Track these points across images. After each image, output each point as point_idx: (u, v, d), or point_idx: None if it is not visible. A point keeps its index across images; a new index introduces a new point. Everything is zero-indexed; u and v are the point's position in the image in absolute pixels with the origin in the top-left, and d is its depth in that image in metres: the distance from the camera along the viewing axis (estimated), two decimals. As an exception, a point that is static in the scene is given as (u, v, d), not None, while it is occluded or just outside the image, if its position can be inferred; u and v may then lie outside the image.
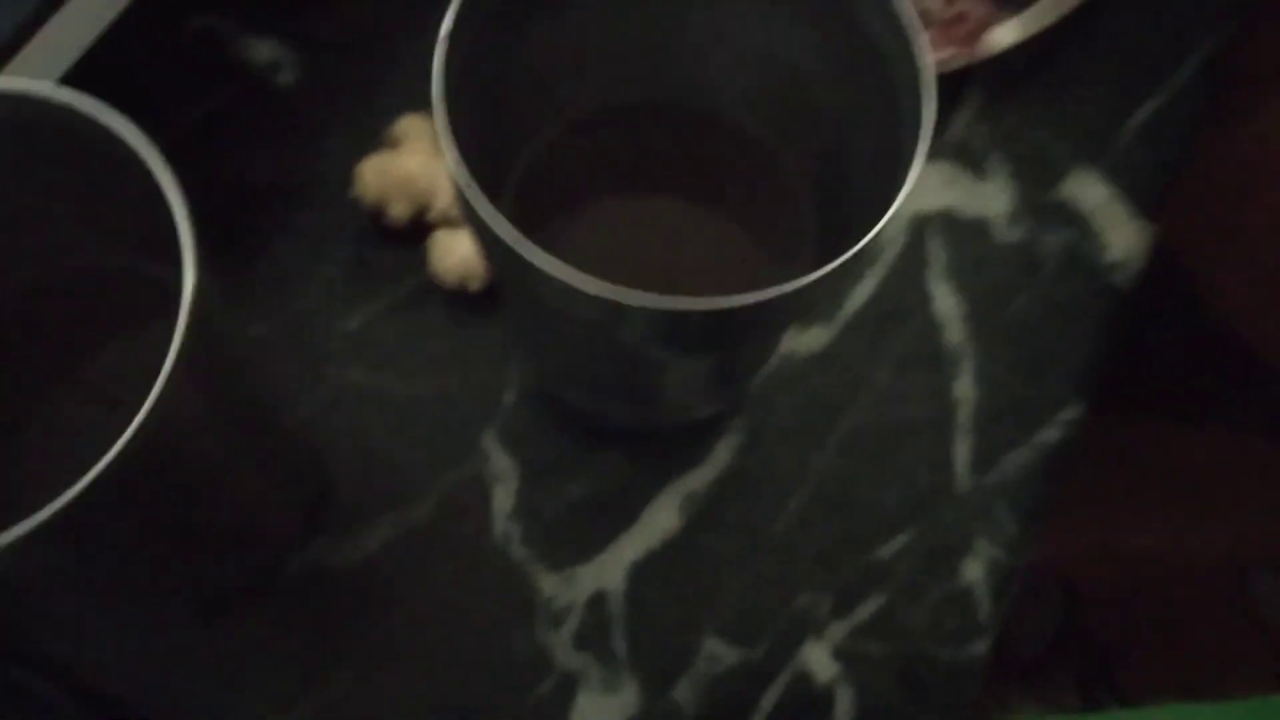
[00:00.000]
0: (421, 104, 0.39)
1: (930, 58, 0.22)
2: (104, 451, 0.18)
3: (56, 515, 0.18)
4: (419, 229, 0.37)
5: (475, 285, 0.36)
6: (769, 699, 0.33)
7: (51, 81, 0.31)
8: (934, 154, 0.39)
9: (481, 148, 0.23)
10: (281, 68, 0.40)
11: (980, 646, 0.34)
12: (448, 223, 0.36)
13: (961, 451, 0.36)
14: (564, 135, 0.31)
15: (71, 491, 0.18)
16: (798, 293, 0.20)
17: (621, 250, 0.31)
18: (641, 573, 0.34)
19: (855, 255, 0.21)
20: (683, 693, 0.33)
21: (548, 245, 0.21)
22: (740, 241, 0.31)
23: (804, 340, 0.37)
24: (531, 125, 0.31)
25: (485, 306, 0.36)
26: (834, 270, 0.20)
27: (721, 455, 0.35)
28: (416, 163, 0.36)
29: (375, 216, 0.37)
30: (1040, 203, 0.39)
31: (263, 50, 0.40)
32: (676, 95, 0.31)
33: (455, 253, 0.35)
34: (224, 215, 0.36)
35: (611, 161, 0.31)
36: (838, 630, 0.34)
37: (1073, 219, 0.39)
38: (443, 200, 0.36)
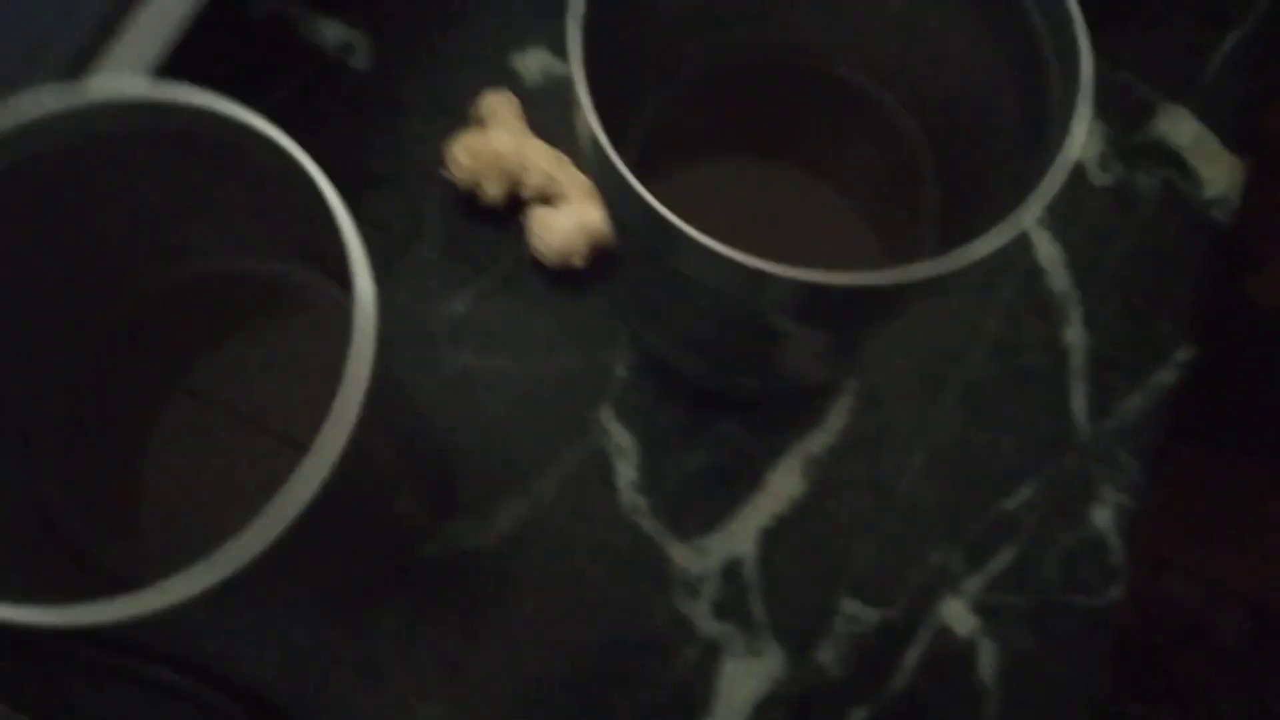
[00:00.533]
0: (501, 81, 0.38)
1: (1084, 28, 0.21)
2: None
3: (245, 568, 0.17)
4: (511, 207, 0.36)
5: (579, 261, 0.35)
6: (912, 656, 0.33)
7: (146, 75, 0.31)
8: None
9: (602, 107, 0.23)
10: (355, 50, 0.39)
11: (1115, 592, 0.34)
12: (542, 199, 0.36)
13: (1078, 398, 0.36)
14: (686, 93, 0.30)
15: (262, 538, 0.17)
16: (958, 270, 0.20)
17: (742, 215, 0.31)
18: (772, 538, 0.34)
19: (1011, 229, 0.20)
20: (825, 654, 0.32)
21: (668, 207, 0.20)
22: (860, 211, 0.31)
23: (914, 295, 0.36)
24: (653, 82, 0.30)
25: (587, 280, 0.36)
26: (995, 246, 0.20)
27: (838, 416, 0.35)
28: (506, 140, 0.35)
29: (467, 197, 0.36)
30: (1131, 144, 0.39)
31: (334, 32, 0.39)
32: (802, 55, 0.30)
33: (556, 229, 0.35)
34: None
35: (732, 122, 0.31)
36: (973, 584, 0.33)
37: (1165, 158, 0.39)
38: (536, 177, 0.35)
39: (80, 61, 0.30)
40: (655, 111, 0.30)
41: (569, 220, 0.35)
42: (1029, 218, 0.20)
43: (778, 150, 0.31)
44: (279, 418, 0.29)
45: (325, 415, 0.18)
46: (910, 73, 0.28)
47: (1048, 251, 0.37)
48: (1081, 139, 0.21)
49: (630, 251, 0.28)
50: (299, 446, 0.29)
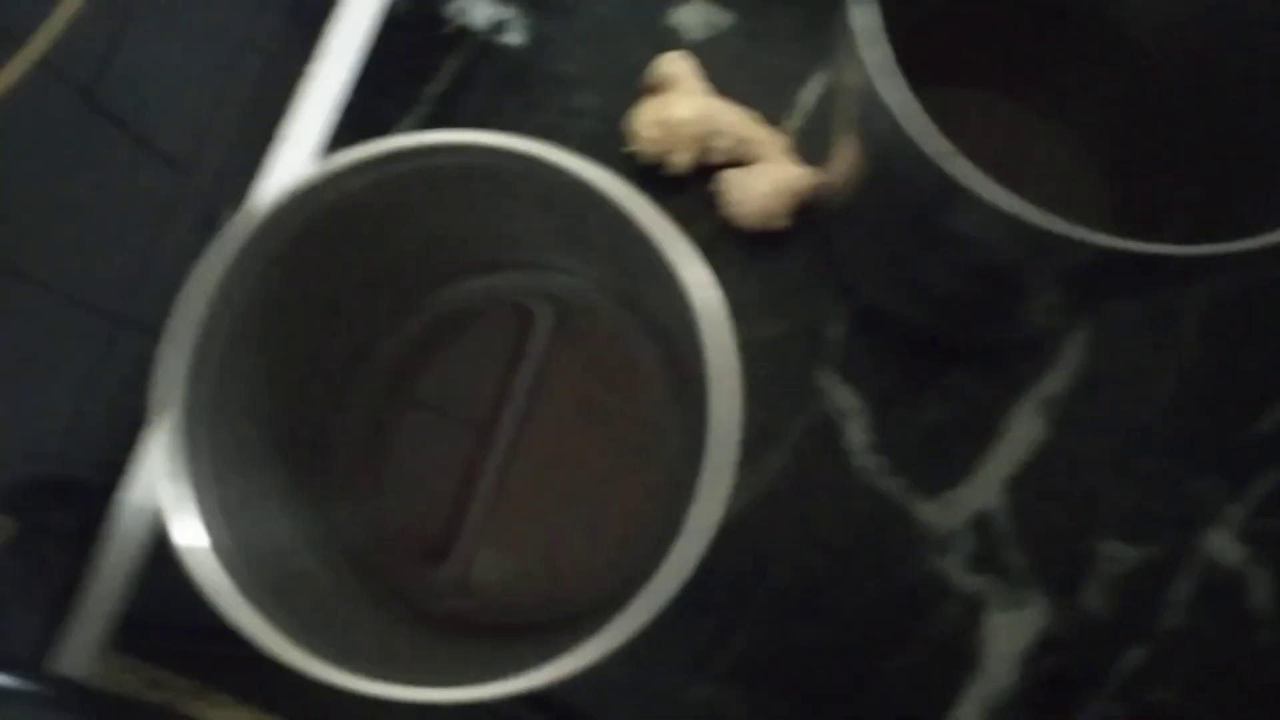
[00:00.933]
0: (663, 40, 0.37)
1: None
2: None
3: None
4: (699, 172, 0.35)
5: (781, 222, 0.34)
6: (1179, 591, 0.32)
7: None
8: None
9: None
10: (507, 26, 0.37)
11: (1386, 502, 0.32)
12: (733, 162, 0.34)
13: (1323, 303, 0.34)
14: (934, 21, 0.28)
15: (666, 590, 0.17)
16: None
17: (977, 152, 0.29)
18: (1020, 486, 0.32)
19: None
20: (1090, 597, 0.31)
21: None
22: (1102, 161, 0.29)
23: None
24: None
25: (788, 240, 0.34)
26: None
27: (1072, 354, 0.33)
28: (691, 106, 0.34)
29: (651, 168, 0.35)
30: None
31: (482, 11, 0.37)
32: None
33: (755, 191, 0.33)
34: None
35: (978, 54, 0.29)
36: (1235, 513, 0.32)
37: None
38: (726, 140, 0.34)
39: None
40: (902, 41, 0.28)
41: (767, 181, 0.33)
42: None
43: (1024, 88, 0.29)
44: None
45: (697, 459, 0.18)
46: (1201, 37, 0.26)
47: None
48: None
49: (878, 203, 0.27)
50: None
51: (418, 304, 0.30)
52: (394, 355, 0.30)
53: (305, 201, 0.22)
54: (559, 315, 0.31)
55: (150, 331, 0.32)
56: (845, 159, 0.28)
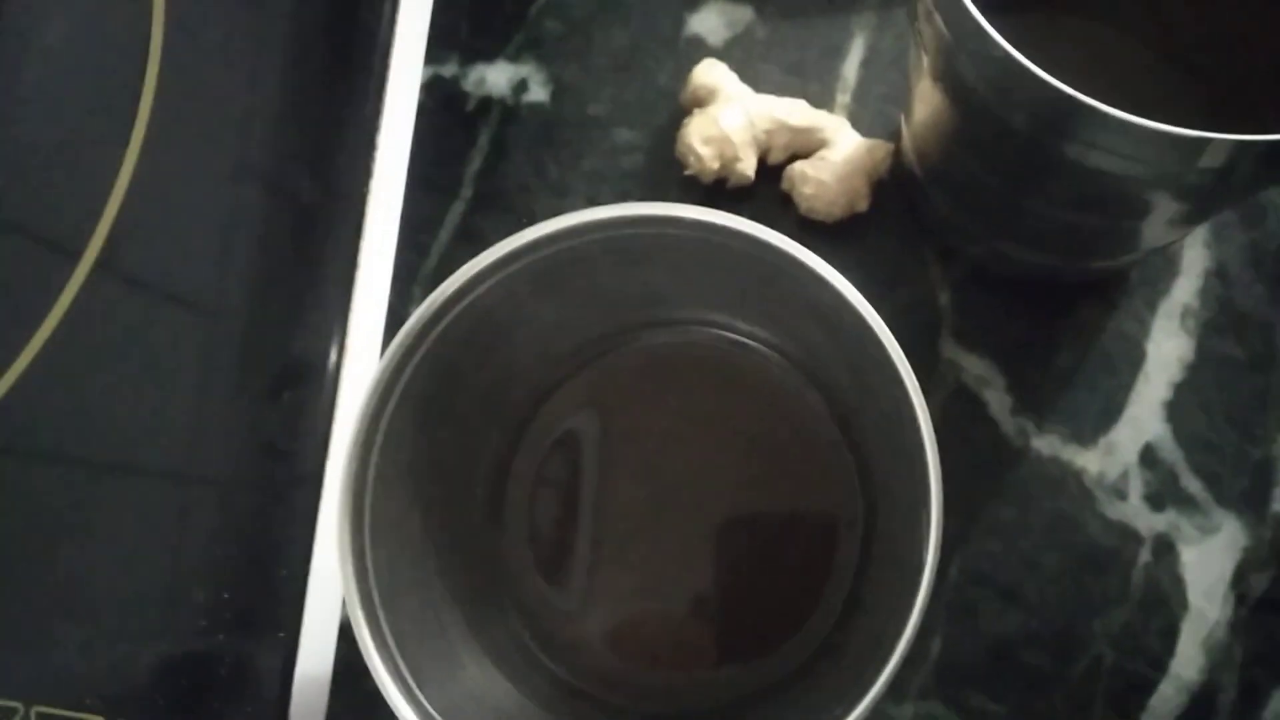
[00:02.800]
0: (691, 52, 0.35)
1: None
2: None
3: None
4: (761, 175, 0.34)
5: (864, 204, 0.32)
6: (1377, 473, 0.30)
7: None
8: None
9: None
10: (529, 84, 0.36)
11: None
12: (798, 155, 0.33)
13: None
14: None
15: None
16: None
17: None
18: (1178, 409, 0.31)
19: None
20: (1284, 505, 0.30)
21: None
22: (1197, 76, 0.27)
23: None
24: None
25: (870, 220, 0.33)
26: None
27: (1195, 254, 0.32)
28: (738, 113, 0.33)
29: (719, 182, 0.33)
30: None
31: (499, 75, 0.36)
32: None
33: (828, 181, 0.32)
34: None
35: None
36: None
37: None
38: (783, 136, 0.33)
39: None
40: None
41: (838, 165, 0.32)
42: None
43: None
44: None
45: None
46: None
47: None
48: None
49: (974, 150, 0.26)
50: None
51: (564, 382, 0.29)
52: (547, 448, 0.29)
53: (444, 317, 0.21)
54: (721, 365, 0.30)
55: (214, 483, 0.32)
56: (929, 111, 0.27)
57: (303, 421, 0.33)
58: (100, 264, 0.33)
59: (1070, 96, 0.19)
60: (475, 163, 0.36)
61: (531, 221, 0.33)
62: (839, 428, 0.29)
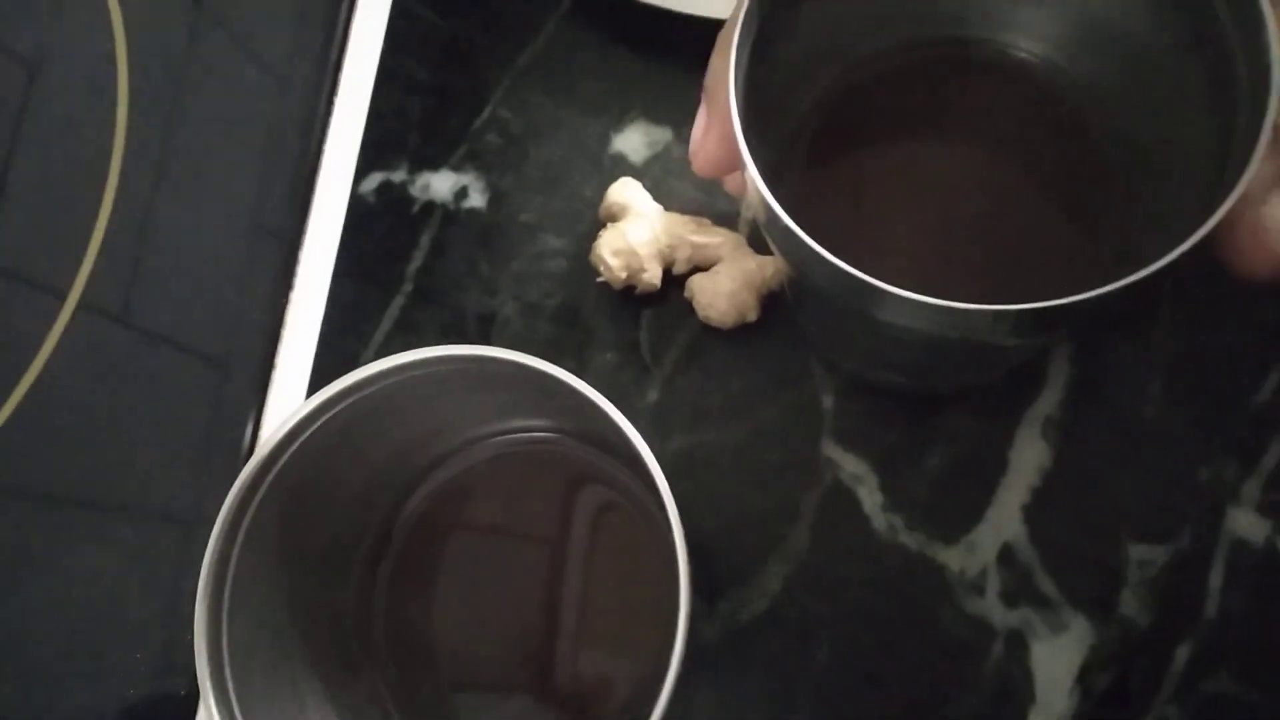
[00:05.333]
0: (612, 167, 0.39)
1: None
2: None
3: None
4: (668, 282, 0.37)
5: (753, 315, 0.36)
6: (1216, 578, 0.32)
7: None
8: None
9: (760, 118, 0.22)
10: (469, 192, 0.40)
11: (1402, 446, 0.32)
12: (698, 267, 0.37)
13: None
14: (848, 84, 0.29)
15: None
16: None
17: (914, 214, 0.29)
18: (1036, 512, 0.34)
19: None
20: (1128, 606, 0.32)
21: (836, 216, 0.20)
22: (1047, 216, 0.29)
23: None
24: (811, 80, 0.28)
25: (764, 328, 0.36)
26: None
27: (1059, 369, 0.35)
28: (644, 228, 0.36)
29: (629, 289, 0.37)
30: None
31: (443, 183, 0.40)
32: (978, 39, 0.28)
33: (722, 293, 0.35)
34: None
35: (893, 117, 0.29)
36: (1252, 488, 0.33)
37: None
38: (684, 250, 0.36)
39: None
40: (813, 125, 0.29)
41: (730, 280, 0.35)
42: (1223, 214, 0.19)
43: (945, 143, 0.30)
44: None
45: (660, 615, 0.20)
46: (1096, 68, 0.27)
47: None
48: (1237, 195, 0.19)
49: (815, 303, 0.29)
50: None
51: (420, 485, 0.33)
52: (405, 537, 0.33)
53: (298, 439, 0.24)
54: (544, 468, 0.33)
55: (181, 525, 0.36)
56: (776, 259, 0.30)
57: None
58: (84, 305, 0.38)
59: (849, 274, 0.20)
60: (416, 261, 0.40)
61: (462, 317, 0.36)
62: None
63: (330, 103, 0.41)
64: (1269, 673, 0.31)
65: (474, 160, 0.40)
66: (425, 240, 0.40)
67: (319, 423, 0.24)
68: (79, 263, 0.39)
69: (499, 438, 0.34)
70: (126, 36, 0.41)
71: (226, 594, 0.22)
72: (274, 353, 0.39)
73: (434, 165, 0.40)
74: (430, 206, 0.40)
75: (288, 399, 0.38)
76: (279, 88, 0.41)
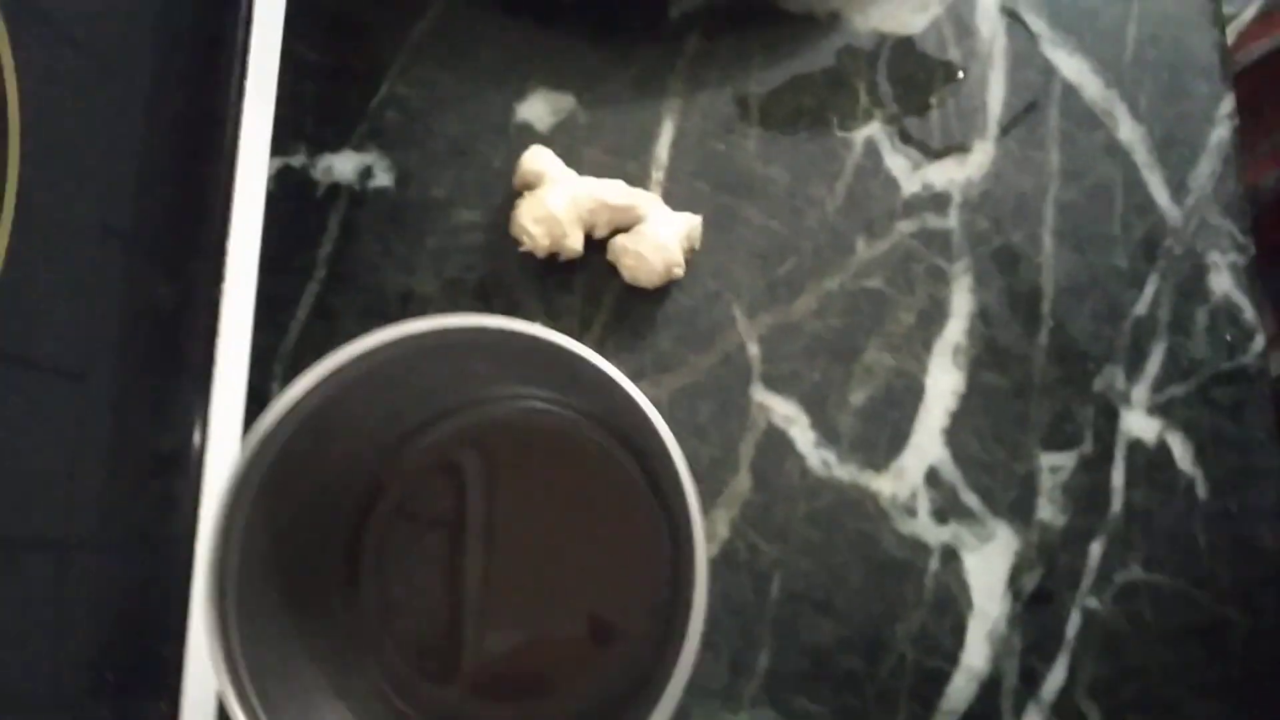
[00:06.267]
0: (519, 137, 0.39)
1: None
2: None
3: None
4: (592, 247, 0.37)
5: (680, 272, 0.37)
6: (1117, 478, 0.35)
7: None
8: None
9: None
10: (374, 171, 0.39)
11: (1259, 344, 0.36)
12: (619, 229, 0.37)
13: (1156, 186, 0.38)
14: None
15: None
16: None
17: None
18: (955, 434, 0.36)
19: None
20: (1044, 511, 0.35)
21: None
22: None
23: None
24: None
25: (687, 284, 0.37)
26: None
27: (963, 302, 0.37)
28: (562, 194, 0.36)
29: (551, 256, 0.37)
30: (1100, -70, 0.40)
31: (345, 164, 0.39)
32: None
33: (644, 251, 0.36)
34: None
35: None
36: (1140, 392, 0.36)
37: (1137, -70, 0.40)
38: (604, 213, 0.37)
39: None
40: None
41: (651, 239, 0.36)
42: None
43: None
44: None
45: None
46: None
47: (1072, 66, 0.39)
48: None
49: None
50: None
51: (401, 454, 0.32)
52: (390, 505, 0.32)
53: (288, 418, 0.24)
54: (524, 438, 0.33)
55: (101, 549, 0.34)
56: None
57: (173, 508, 0.35)
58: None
59: None
60: (326, 246, 0.39)
61: (381, 298, 0.36)
62: (649, 485, 0.33)
63: (241, 90, 0.39)
64: (1174, 559, 0.35)
65: (376, 139, 0.40)
66: (333, 224, 0.39)
67: (299, 409, 0.23)
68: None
69: (480, 407, 0.33)
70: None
71: (230, 600, 0.21)
72: (212, 354, 0.37)
73: (334, 147, 0.39)
74: (335, 190, 0.39)
75: (229, 400, 0.37)
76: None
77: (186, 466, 0.36)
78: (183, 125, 0.39)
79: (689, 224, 0.36)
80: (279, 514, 0.25)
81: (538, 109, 0.40)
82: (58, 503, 0.34)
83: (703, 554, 0.23)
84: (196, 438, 0.36)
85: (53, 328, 0.36)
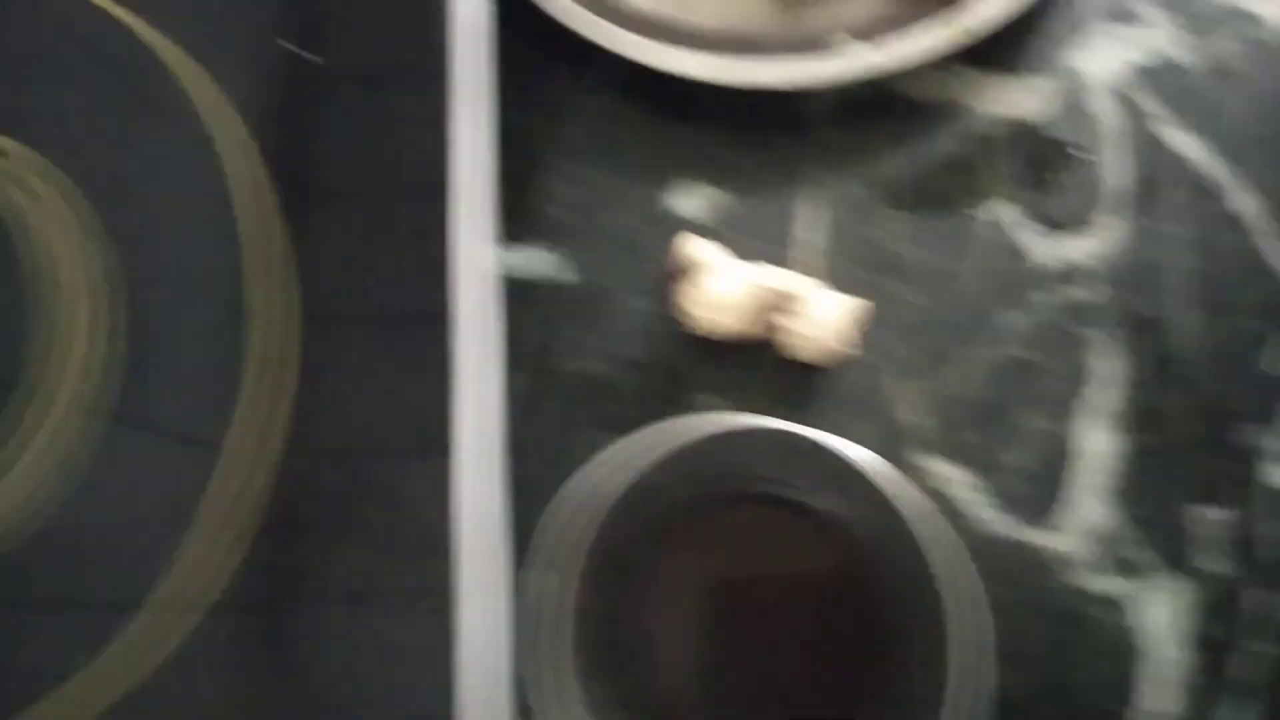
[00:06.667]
0: (674, 227, 0.42)
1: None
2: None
3: None
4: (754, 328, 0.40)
5: (853, 350, 0.39)
6: (1265, 527, 0.38)
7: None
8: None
9: None
10: (544, 264, 0.42)
11: None
12: (778, 311, 0.40)
13: (1273, 253, 0.41)
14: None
15: None
16: None
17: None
18: (1109, 492, 0.38)
19: None
20: (1204, 561, 0.37)
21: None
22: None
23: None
24: None
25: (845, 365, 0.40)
26: None
27: (1115, 365, 0.40)
28: (728, 279, 0.39)
29: (710, 339, 0.40)
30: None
31: (519, 258, 0.42)
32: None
33: (823, 327, 0.38)
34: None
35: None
36: (1273, 444, 0.39)
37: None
38: (766, 297, 0.39)
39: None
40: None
41: (828, 317, 0.38)
42: None
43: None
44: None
45: None
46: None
47: (1186, 142, 0.42)
48: None
49: None
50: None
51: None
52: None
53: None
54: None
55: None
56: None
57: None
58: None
59: None
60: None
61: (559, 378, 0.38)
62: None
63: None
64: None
65: (542, 234, 0.42)
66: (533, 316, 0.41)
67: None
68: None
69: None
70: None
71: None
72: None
73: (509, 243, 0.42)
74: (517, 283, 0.42)
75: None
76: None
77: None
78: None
79: (858, 306, 0.39)
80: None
81: (685, 200, 0.43)
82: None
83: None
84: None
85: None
